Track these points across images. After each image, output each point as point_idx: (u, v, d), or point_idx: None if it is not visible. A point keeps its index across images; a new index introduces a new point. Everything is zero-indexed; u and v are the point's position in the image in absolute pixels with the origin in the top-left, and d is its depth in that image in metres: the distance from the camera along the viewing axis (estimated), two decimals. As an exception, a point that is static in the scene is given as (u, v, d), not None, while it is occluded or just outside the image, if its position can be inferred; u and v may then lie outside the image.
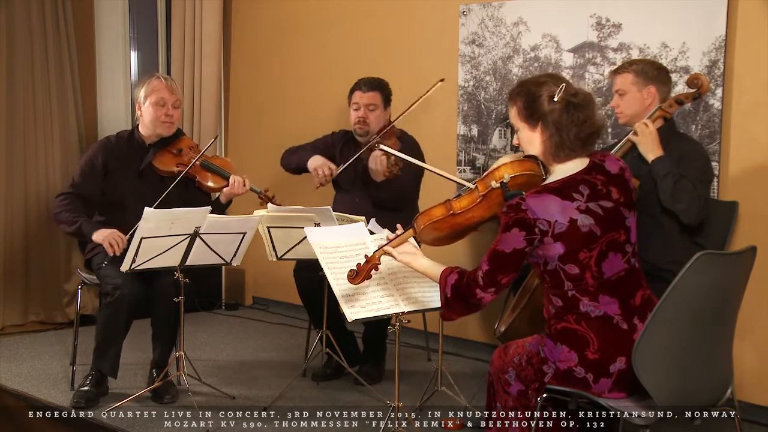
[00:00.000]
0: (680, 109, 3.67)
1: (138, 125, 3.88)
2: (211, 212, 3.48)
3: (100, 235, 3.62)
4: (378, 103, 4.02)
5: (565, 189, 2.36)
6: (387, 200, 3.93)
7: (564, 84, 2.37)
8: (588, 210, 2.34)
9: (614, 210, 2.38)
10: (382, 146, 3.50)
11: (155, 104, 3.77)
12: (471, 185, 2.59)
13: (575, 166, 2.41)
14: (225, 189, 3.85)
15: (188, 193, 3.85)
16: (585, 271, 2.34)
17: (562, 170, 2.42)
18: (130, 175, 3.82)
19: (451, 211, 2.56)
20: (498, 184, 2.49)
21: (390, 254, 2.67)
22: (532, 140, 2.43)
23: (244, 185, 3.83)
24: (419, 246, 2.73)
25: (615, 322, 2.35)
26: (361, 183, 4.04)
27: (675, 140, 3.17)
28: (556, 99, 2.35)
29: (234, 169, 3.93)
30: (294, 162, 4.18)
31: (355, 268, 2.67)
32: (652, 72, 3.19)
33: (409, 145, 4.07)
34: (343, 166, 3.98)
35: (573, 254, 2.33)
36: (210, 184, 3.86)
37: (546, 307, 2.47)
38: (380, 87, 4.05)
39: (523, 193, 2.39)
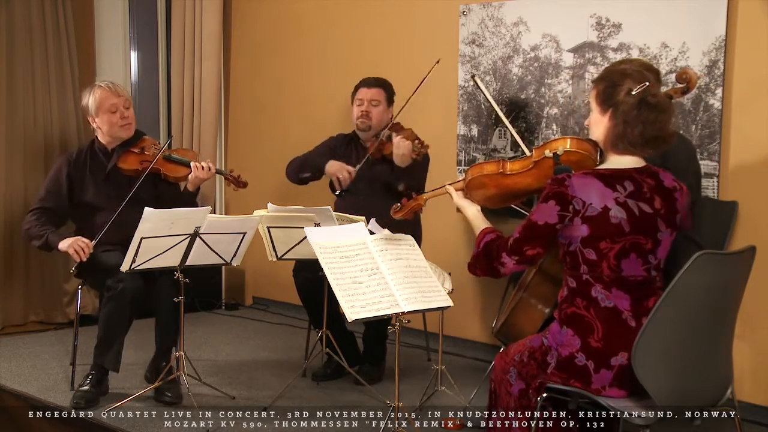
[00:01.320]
0: (683, 111, 3.68)
1: (96, 136, 3.95)
2: (182, 202, 3.70)
3: (64, 244, 3.67)
4: (381, 99, 4.08)
5: (610, 178, 2.39)
6: (408, 188, 3.93)
7: (647, 83, 2.39)
8: (625, 204, 2.36)
9: (651, 217, 2.39)
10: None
11: (108, 112, 3.83)
12: (528, 152, 2.66)
13: (630, 162, 2.45)
14: (190, 175, 3.90)
15: (157, 188, 3.94)
16: (602, 260, 2.37)
17: (616, 161, 2.45)
18: (97, 180, 3.88)
19: (502, 170, 2.65)
20: (551, 154, 2.57)
21: (450, 193, 2.80)
22: (599, 124, 2.47)
23: (209, 170, 3.89)
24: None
25: (624, 317, 2.37)
26: (367, 184, 4.03)
27: None
28: (633, 93, 2.38)
29: (197, 157, 4.01)
30: (308, 170, 4.16)
31: (400, 203, 2.77)
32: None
33: None
34: (360, 165, 3.99)
35: (595, 240, 2.36)
36: (177, 174, 3.93)
37: (561, 290, 2.49)
38: (384, 85, 4.13)
39: (572, 170, 2.45)
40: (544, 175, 2.58)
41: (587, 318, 2.38)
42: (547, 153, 2.59)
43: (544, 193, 2.41)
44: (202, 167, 3.88)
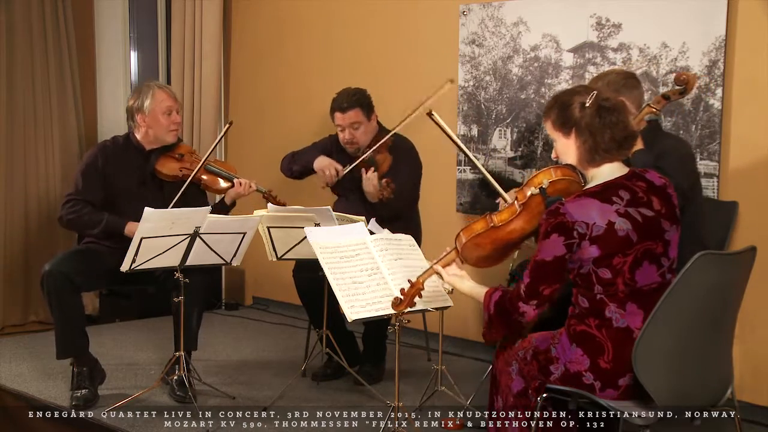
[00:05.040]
0: (683, 111, 3.68)
1: (132, 132, 3.88)
2: (217, 213, 3.57)
3: (134, 227, 3.52)
4: (360, 119, 3.99)
5: (604, 192, 2.36)
6: (384, 216, 3.92)
7: (595, 92, 2.40)
8: (627, 214, 2.33)
9: (654, 220, 2.37)
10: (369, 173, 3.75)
11: (163, 114, 3.80)
12: (510, 199, 2.60)
13: (613, 171, 2.42)
14: (231, 190, 3.90)
15: (189, 196, 3.85)
16: (617, 276, 2.33)
17: (601, 175, 2.42)
18: (130, 180, 3.82)
19: (492, 224, 2.56)
20: (537, 191, 2.50)
21: (439, 273, 2.67)
22: (568, 148, 2.45)
23: (250, 186, 3.90)
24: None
25: (635, 336, 2.33)
26: (357, 189, 4.03)
27: (660, 138, 3.19)
28: (587, 105, 2.38)
29: (237, 171, 3.98)
30: (299, 164, 4.16)
31: (400, 296, 2.67)
32: (620, 83, 3.19)
33: (404, 152, 4.05)
34: (349, 168, 3.96)
35: (607, 258, 2.33)
36: (217, 186, 3.91)
37: (571, 306, 2.47)
38: (359, 102, 3.99)
39: (563, 198, 2.40)
40: (537, 213, 2.51)
41: (598, 338, 2.36)
42: (533, 191, 2.52)
43: (543, 230, 2.37)
44: (249, 185, 3.87)
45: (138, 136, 3.85)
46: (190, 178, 3.78)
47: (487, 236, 2.57)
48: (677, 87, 3.19)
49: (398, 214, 3.94)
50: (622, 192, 2.37)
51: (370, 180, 3.83)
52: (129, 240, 3.35)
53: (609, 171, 2.42)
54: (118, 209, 3.77)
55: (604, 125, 2.37)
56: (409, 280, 2.70)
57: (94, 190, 3.75)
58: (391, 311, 2.88)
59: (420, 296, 2.69)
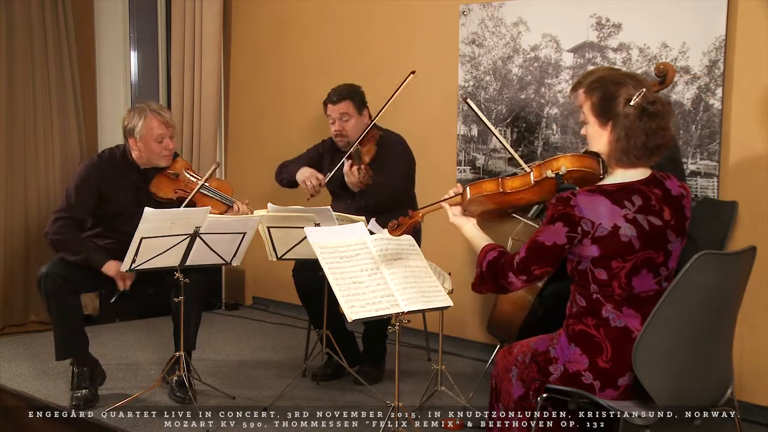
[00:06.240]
0: (683, 111, 3.68)
1: (129, 149, 3.79)
2: None
3: (110, 270, 3.57)
4: (351, 111, 4.03)
5: (618, 194, 2.33)
6: (375, 206, 3.92)
7: (644, 90, 2.33)
8: (634, 221, 2.31)
9: (661, 230, 2.35)
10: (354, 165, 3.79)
11: (154, 142, 3.72)
12: (527, 168, 2.64)
13: (635, 174, 2.39)
14: (227, 213, 3.83)
15: None
16: (613, 280, 2.33)
17: (622, 175, 2.39)
18: (127, 198, 3.76)
19: (502, 189, 2.61)
20: (553, 174, 2.53)
21: (445, 210, 2.73)
22: (600, 138, 2.40)
23: (249, 212, 3.83)
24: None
25: (633, 336, 2.33)
26: (347, 189, 4.03)
27: None
28: (632, 103, 2.32)
29: (234, 192, 3.91)
30: (285, 177, 4.20)
31: (398, 221, 2.73)
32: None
33: (393, 145, 4.07)
34: (330, 175, 3.99)
35: (606, 260, 2.32)
36: (213, 209, 3.76)
37: (569, 304, 2.47)
38: (350, 94, 4.04)
39: (577, 188, 2.39)
40: (547, 191, 2.54)
41: (596, 338, 2.35)
42: (549, 174, 2.53)
43: (550, 214, 2.35)
44: (242, 209, 3.78)
45: (134, 155, 3.78)
46: (186, 202, 3.71)
47: (493, 197, 2.64)
48: (657, 78, 3.21)
49: (387, 204, 3.93)
50: (636, 197, 2.34)
51: (348, 172, 3.86)
52: (128, 240, 3.35)
53: (631, 174, 2.39)
54: (114, 228, 3.75)
55: (642, 130, 2.31)
56: (408, 211, 2.76)
57: (86, 207, 3.70)
58: (392, 312, 2.88)
59: (417, 225, 2.77)
